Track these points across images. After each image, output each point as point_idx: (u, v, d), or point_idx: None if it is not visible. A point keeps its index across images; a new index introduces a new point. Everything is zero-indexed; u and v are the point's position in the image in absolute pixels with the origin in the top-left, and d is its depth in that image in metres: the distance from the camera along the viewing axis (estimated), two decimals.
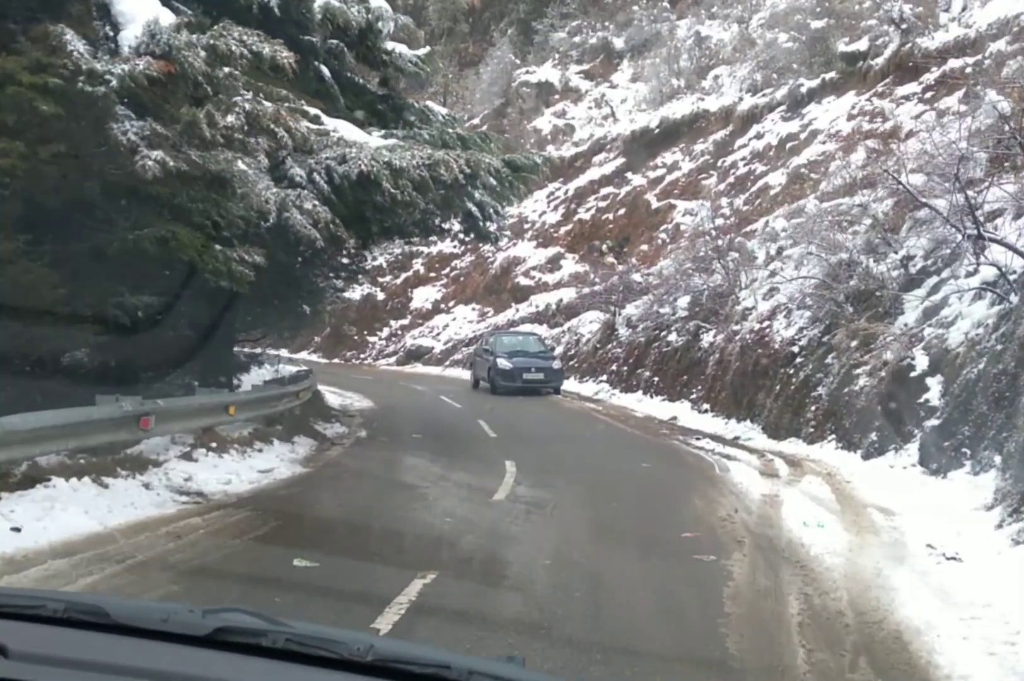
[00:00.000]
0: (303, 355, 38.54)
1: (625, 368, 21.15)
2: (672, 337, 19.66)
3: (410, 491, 8.78)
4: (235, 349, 17.05)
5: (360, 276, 15.55)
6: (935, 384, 11.23)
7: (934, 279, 13.21)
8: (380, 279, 37.31)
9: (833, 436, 12.74)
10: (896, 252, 13.69)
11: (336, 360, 36.42)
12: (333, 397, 19.71)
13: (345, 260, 15.11)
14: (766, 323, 16.40)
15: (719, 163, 30.13)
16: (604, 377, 21.96)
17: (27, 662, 1.36)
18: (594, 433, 14.96)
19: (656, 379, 19.50)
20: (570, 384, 22.34)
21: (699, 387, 17.79)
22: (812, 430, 13.33)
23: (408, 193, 10.70)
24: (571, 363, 23.93)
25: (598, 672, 4.12)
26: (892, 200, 13.97)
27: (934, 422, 10.75)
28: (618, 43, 42.70)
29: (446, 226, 15.16)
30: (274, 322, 15.92)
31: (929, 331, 12.04)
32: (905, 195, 13.92)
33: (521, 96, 41.18)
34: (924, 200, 11.37)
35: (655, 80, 37.84)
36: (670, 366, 19.18)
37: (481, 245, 35.80)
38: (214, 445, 9.08)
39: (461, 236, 15.47)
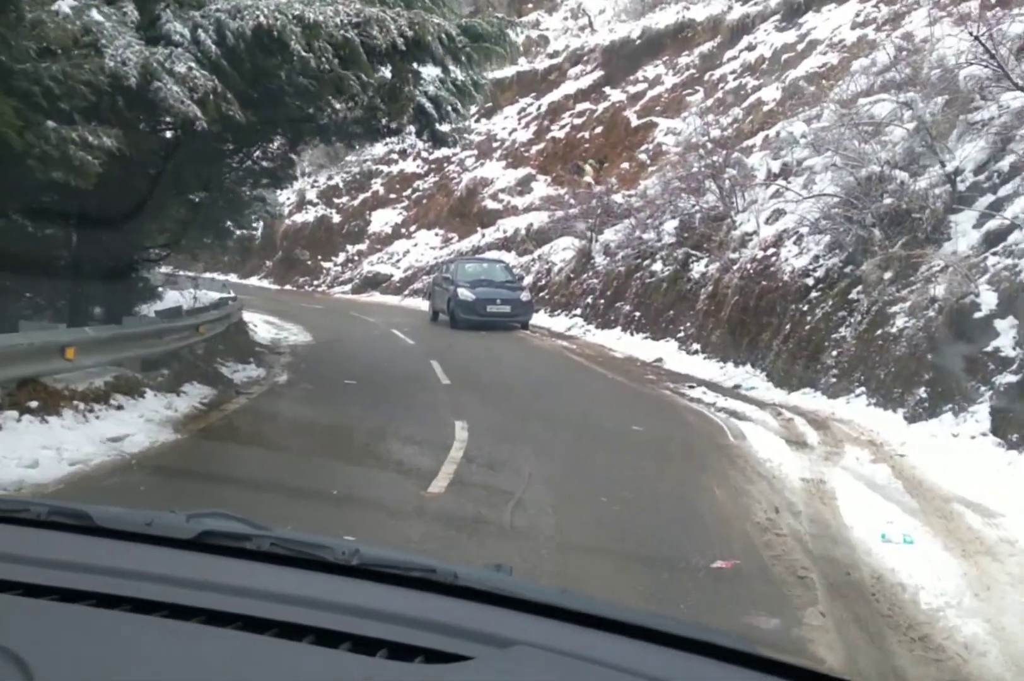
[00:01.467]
0: (253, 281, 35.55)
1: (602, 301, 18.38)
2: (657, 267, 16.89)
3: (312, 475, 6.03)
4: (158, 271, 14.16)
5: (284, 182, 12.48)
6: (1007, 328, 8.59)
7: (989, 197, 10.51)
8: (336, 200, 34.04)
9: (863, 389, 10.13)
10: (945, 164, 10.90)
11: (288, 287, 33.40)
12: (267, 329, 16.86)
13: (267, 163, 12.07)
14: (771, 251, 13.67)
15: (706, 77, 26.99)
16: (578, 311, 19.19)
17: (11, 562, 1.31)
18: (568, 379, 12.29)
19: (637, 314, 16.79)
20: (540, 318, 19.57)
21: (688, 324, 15.12)
22: (835, 381, 10.71)
23: (327, 60, 7.71)
24: (541, 294, 21.10)
25: None
26: (942, 99, 11.12)
27: (1010, 378, 8.15)
28: None
29: (394, 126, 12.15)
30: (183, 238, 12.88)
31: (994, 261, 9.36)
32: (957, 94, 11.14)
33: (491, 2, 37.39)
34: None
35: None
36: (654, 300, 16.46)
37: (445, 165, 32.67)
38: (34, 404, 6.25)
39: (412, 139, 12.47)
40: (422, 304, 24.45)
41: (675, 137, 25.19)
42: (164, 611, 1.20)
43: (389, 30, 7.86)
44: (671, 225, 17.15)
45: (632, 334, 16.48)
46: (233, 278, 36.79)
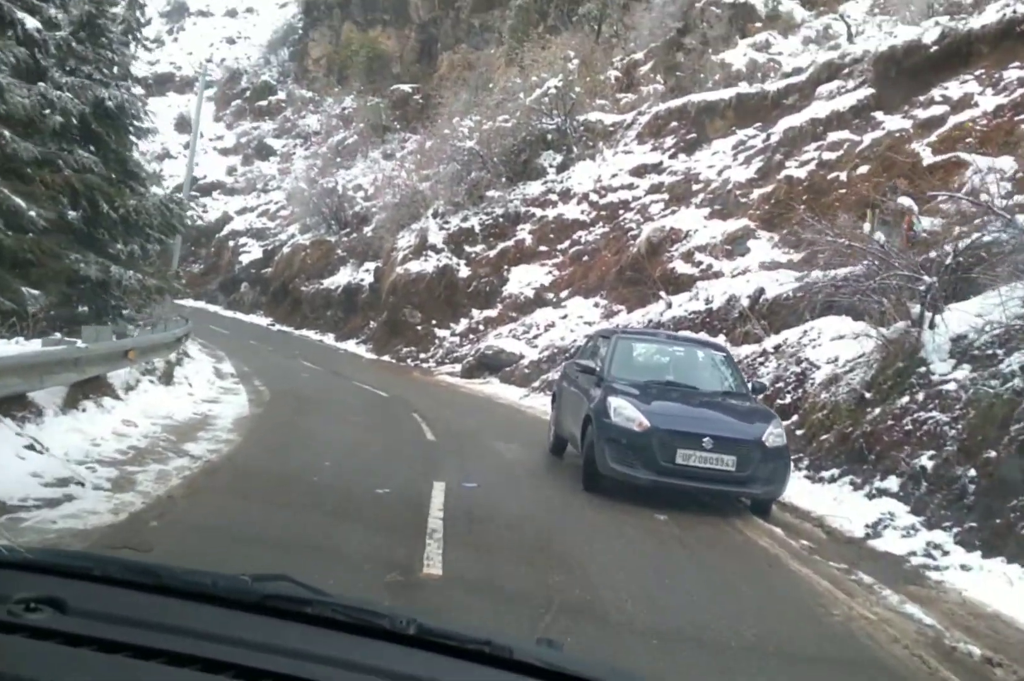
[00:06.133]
0: (349, 344, 25.71)
1: (972, 474, 6.95)
2: None
3: None
4: None
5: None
6: None
7: None
8: (467, 248, 23.83)
9: None
10: None
11: (386, 357, 23.23)
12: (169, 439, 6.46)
13: None
14: None
15: None
16: (891, 483, 7.71)
17: (84, 618, 1.28)
18: None
19: None
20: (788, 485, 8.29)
21: None
22: None
23: None
24: (788, 424, 9.78)
25: None
26: None
27: None
28: None
29: None
30: None
31: None
32: None
33: (707, 20, 27.20)
34: None
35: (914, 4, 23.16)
36: None
37: (621, 211, 22.12)
38: None
39: None
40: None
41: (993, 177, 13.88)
42: (231, 672, 1.17)
43: None
44: None
45: None
46: (328, 339, 27.20)
